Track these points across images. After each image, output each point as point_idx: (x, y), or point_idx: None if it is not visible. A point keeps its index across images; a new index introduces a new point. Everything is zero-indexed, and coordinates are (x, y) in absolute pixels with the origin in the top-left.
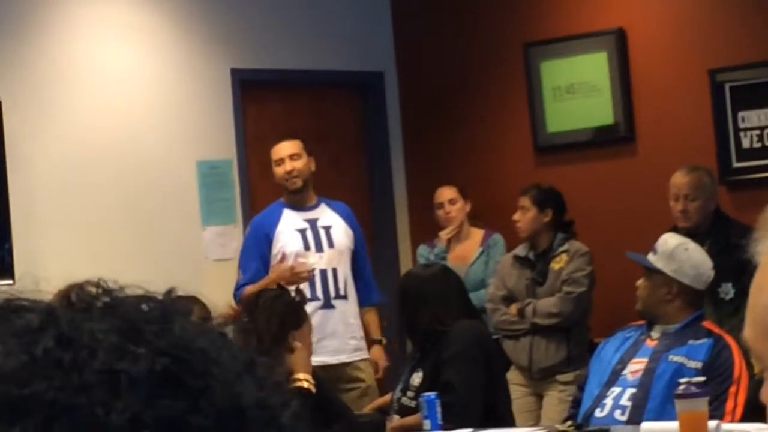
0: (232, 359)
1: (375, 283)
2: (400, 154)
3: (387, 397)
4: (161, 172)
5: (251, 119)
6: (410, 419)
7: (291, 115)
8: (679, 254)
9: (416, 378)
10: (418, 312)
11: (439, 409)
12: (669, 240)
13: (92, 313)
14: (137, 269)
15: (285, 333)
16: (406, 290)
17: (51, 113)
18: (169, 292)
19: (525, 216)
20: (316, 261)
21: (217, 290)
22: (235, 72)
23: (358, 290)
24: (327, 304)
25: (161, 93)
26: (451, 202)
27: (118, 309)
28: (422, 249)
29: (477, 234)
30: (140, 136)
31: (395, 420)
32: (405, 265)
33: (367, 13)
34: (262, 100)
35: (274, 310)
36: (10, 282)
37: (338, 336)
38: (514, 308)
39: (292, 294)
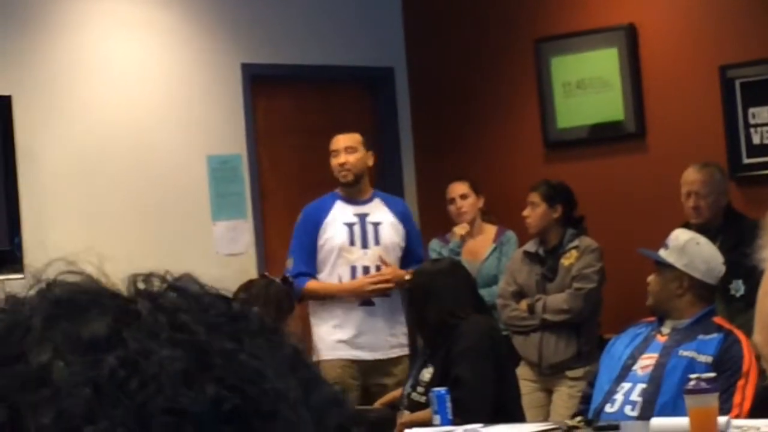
0: (297, 387)
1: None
2: (410, 150)
3: (397, 392)
4: (171, 166)
5: (261, 114)
6: (420, 414)
7: (301, 110)
8: (690, 248)
9: (426, 373)
10: (428, 307)
11: (449, 404)
12: (680, 235)
13: (159, 326)
14: (147, 263)
15: (282, 319)
16: (415, 285)
17: (60, 108)
18: (240, 301)
19: (534, 212)
20: (360, 257)
21: (227, 285)
22: (245, 67)
23: (405, 266)
24: (367, 301)
25: (171, 87)
26: (463, 197)
27: (183, 319)
28: (434, 243)
29: (490, 230)
30: (150, 130)
31: (405, 415)
32: None
33: (377, 9)
34: (272, 95)
35: (269, 298)
36: (20, 275)
37: (377, 333)
38: (524, 304)
39: (281, 283)
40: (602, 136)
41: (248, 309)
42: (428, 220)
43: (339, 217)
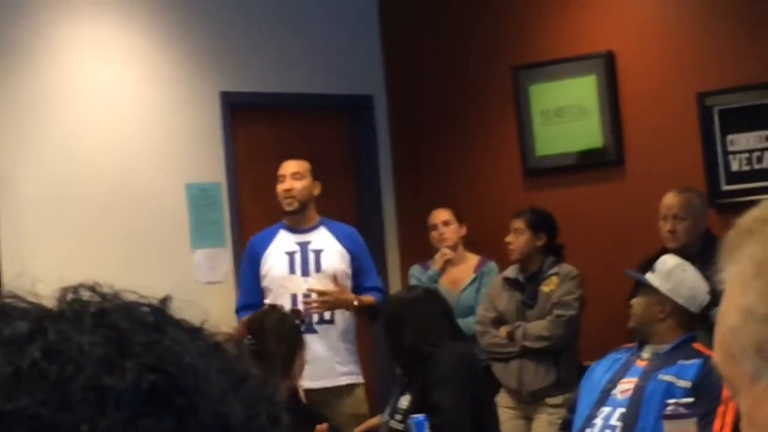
0: (222, 374)
1: (379, 295)
2: (390, 178)
3: (375, 420)
4: (150, 194)
5: (240, 142)
6: None
7: (280, 138)
8: (676, 274)
9: (404, 401)
10: (402, 334)
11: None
12: (668, 260)
13: (83, 322)
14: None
15: (293, 355)
16: (389, 313)
17: (40, 134)
18: (165, 299)
19: (518, 239)
20: (300, 285)
21: (207, 313)
22: (224, 95)
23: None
24: (309, 329)
25: (151, 115)
26: (445, 224)
27: (108, 317)
28: (415, 270)
29: (472, 259)
30: (129, 158)
31: None
32: (395, 287)
33: (356, 37)
34: (251, 123)
35: (283, 333)
36: None
37: (320, 361)
38: (504, 331)
39: (292, 316)
40: (581, 164)
41: (168, 306)
42: (408, 247)
43: (280, 246)
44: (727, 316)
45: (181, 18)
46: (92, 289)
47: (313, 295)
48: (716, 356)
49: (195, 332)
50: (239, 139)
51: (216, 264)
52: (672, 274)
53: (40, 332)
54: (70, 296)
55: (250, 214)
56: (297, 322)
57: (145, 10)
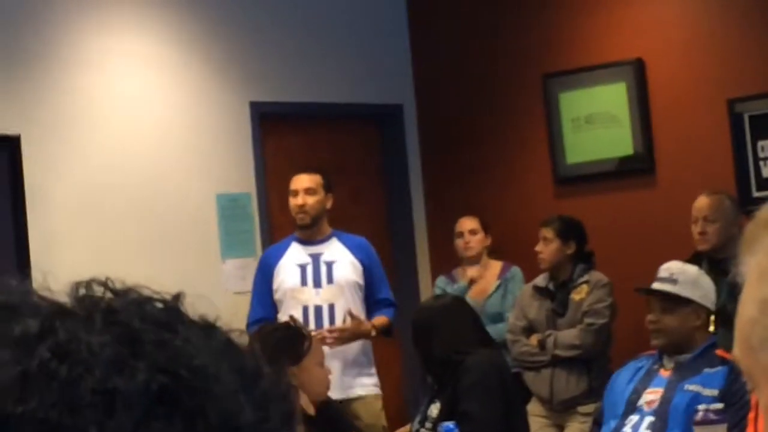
0: (234, 373)
1: (391, 310)
2: (419, 187)
3: (406, 428)
4: (180, 204)
5: (270, 152)
6: None
7: (310, 147)
8: (701, 281)
9: (434, 409)
10: (432, 342)
11: None
12: (687, 269)
13: (93, 321)
14: None
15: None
16: (418, 322)
17: (69, 146)
18: (178, 295)
19: (548, 247)
20: (311, 297)
21: (236, 322)
22: (253, 105)
23: (371, 314)
24: None
25: (180, 126)
26: (472, 232)
27: (119, 315)
28: (440, 281)
29: (495, 266)
30: (159, 168)
31: None
32: (425, 296)
33: (385, 46)
34: (280, 133)
35: (266, 347)
36: None
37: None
38: (534, 339)
39: (291, 328)
40: (612, 171)
41: (181, 302)
42: (438, 256)
43: (292, 259)
44: (745, 308)
45: (210, 29)
46: (104, 284)
47: (338, 313)
48: (736, 349)
49: (208, 330)
50: (269, 148)
51: (246, 274)
52: (699, 282)
53: (50, 331)
54: (81, 292)
55: (279, 223)
56: (295, 332)
57: (174, 20)
